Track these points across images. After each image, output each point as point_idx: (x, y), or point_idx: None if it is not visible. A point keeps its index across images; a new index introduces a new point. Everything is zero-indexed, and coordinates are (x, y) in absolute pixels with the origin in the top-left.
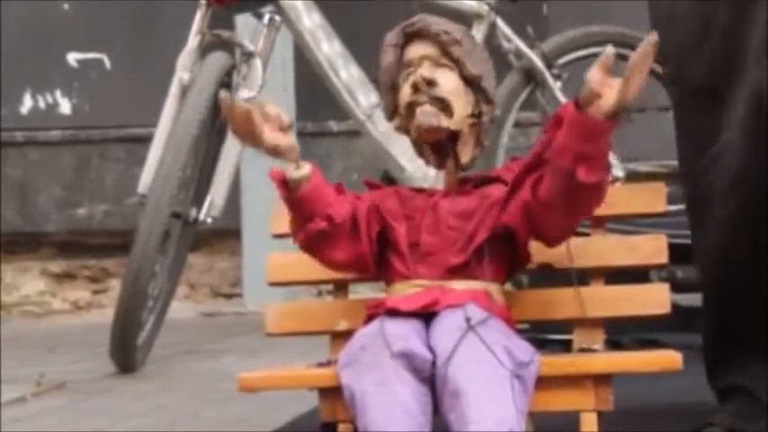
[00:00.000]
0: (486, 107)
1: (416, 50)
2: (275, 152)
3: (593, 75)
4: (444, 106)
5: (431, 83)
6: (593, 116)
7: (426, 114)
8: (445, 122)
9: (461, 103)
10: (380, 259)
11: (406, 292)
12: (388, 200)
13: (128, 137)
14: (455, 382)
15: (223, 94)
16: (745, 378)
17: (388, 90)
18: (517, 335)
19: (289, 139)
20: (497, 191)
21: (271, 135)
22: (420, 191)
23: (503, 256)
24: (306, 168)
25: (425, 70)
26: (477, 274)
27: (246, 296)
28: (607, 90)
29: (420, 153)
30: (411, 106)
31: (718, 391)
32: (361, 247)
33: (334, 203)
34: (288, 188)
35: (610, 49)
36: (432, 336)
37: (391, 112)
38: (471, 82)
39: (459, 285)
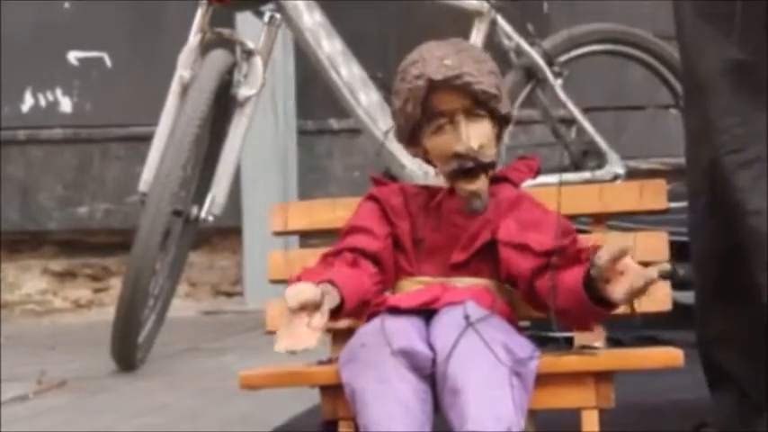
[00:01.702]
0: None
1: (448, 101)
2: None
3: (604, 261)
4: (491, 166)
5: (480, 147)
6: (597, 308)
7: (480, 200)
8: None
9: (494, 144)
10: None
11: (409, 289)
12: (394, 197)
13: (129, 135)
14: (454, 379)
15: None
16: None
17: (411, 129)
18: (518, 332)
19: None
20: (503, 190)
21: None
22: (425, 188)
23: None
24: (333, 295)
25: (464, 129)
26: (480, 271)
27: (247, 294)
28: (619, 277)
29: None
30: (455, 170)
31: (712, 375)
32: (388, 276)
33: (367, 288)
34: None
35: (625, 246)
36: (432, 333)
37: (407, 141)
38: (501, 120)
39: (462, 283)
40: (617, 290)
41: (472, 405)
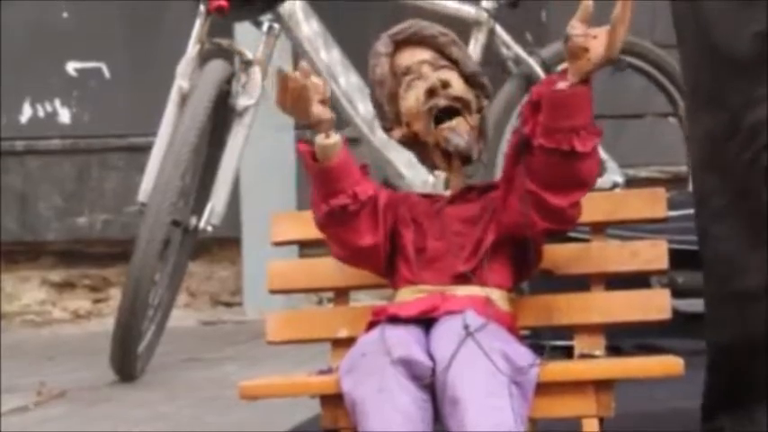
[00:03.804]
0: (486, 101)
1: (412, 56)
2: (318, 124)
3: (576, 29)
4: (465, 104)
5: (445, 84)
6: (573, 89)
7: (459, 136)
8: (475, 146)
9: (469, 94)
10: (389, 264)
11: (410, 297)
12: (399, 205)
13: (127, 146)
14: (453, 388)
15: (278, 69)
16: (744, 424)
17: (387, 101)
18: (518, 341)
19: (329, 112)
20: (496, 198)
21: (317, 107)
22: (426, 197)
23: (511, 260)
24: (336, 137)
25: (431, 73)
26: (483, 280)
27: (247, 304)
28: (593, 42)
29: (425, 157)
30: (431, 111)
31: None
32: (377, 236)
33: (361, 181)
34: (315, 159)
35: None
36: (431, 342)
37: (391, 122)
38: (471, 79)
39: (462, 291)
40: (599, 44)
41: (471, 414)
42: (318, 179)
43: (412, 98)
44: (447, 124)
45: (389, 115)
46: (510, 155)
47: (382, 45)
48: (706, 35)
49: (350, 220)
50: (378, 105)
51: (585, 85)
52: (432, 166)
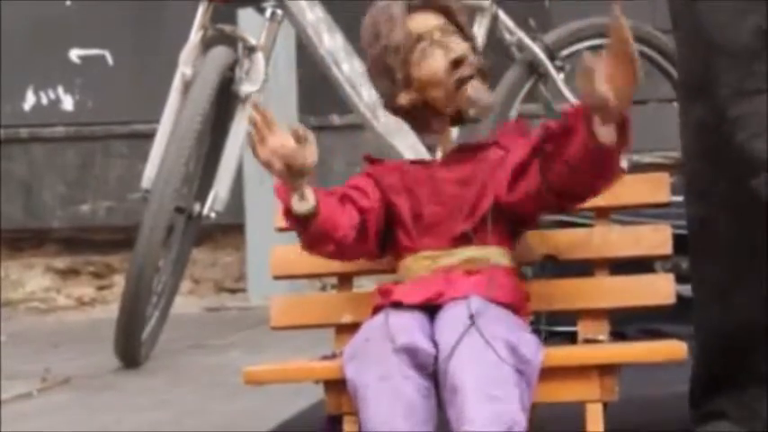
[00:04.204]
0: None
1: (424, 22)
2: (287, 184)
3: (601, 91)
4: (484, 75)
5: (467, 55)
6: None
7: (481, 94)
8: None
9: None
10: (387, 236)
11: (414, 266)
12: (388, 175)
13: (131, 133)
14: (453, 378)
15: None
16: (730, 406)
17: (400, 67)
18: (524, 320)
19: (300, 169)
20: (494, 154)
21: (280, 169)
22: (419, 162)
23: (508, 219)
24: (310, 201)
25: (448, 40)
26: (485, 240)
27: (251, 290)
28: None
29: (420, 124)
30: (461, 82)
31: (698, 416)
32: (367, 246)
33: (342, 223)
34: (294, 219)
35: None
36: (436, 329)
37: (398, 88)
38: (472, 42)
39: (467, 253)
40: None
41: (470, 404)
42: (300, 233)
43: (432, 66)
44: (469, 86)
45: (398, 81)
46: (531, 147)
47: (398, 8)
48: (700, 24)
49: (339, 254)
50: (387, 70)
51: (625, 133)
52: (424, 131)
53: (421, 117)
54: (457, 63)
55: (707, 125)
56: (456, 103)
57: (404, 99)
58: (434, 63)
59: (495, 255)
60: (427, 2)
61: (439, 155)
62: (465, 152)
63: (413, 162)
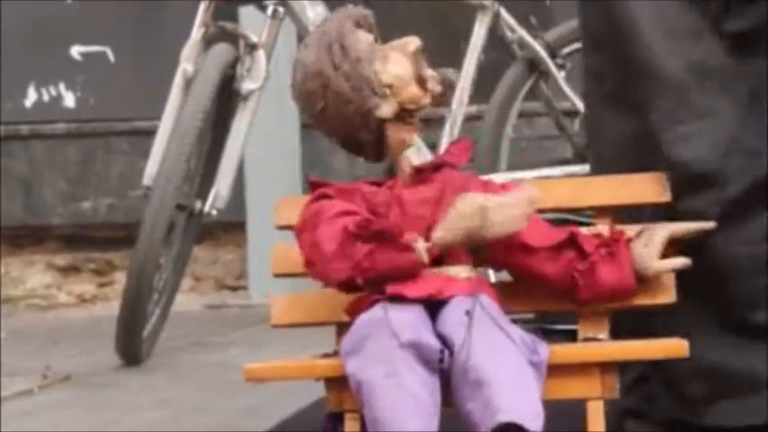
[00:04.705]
0: None
1: (366, 37)
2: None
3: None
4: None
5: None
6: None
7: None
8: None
9: None
10: None
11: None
12: (352, 200)
13: (132, 130)
14: (477, 371)
15: None
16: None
17: (375, 74)
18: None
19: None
20: (447, 174)
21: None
22: (380, 184)
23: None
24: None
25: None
26: (459, 259)
27: (252, 288)
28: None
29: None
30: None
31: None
32: None
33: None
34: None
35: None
36: (442, 324)
37: (382, 96)
38: None
39: (450, 271)
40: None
41: (502, 395)
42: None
43: (399, 64)
44: (429, 74)
45: (378, 90)
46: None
47: (348, 23)
48: (632, 48)
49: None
50: (366, 81)
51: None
52: (398, 150)
53: (396, 131)
54: (413, 56)
55: (628, 139)
56: (427, 92)
57: (386, 110)
58: (399, 61)
59: (469, 273)
60: (359, 24)
61: (398, 176)
62: (423, 173)
63: (375, 183)
